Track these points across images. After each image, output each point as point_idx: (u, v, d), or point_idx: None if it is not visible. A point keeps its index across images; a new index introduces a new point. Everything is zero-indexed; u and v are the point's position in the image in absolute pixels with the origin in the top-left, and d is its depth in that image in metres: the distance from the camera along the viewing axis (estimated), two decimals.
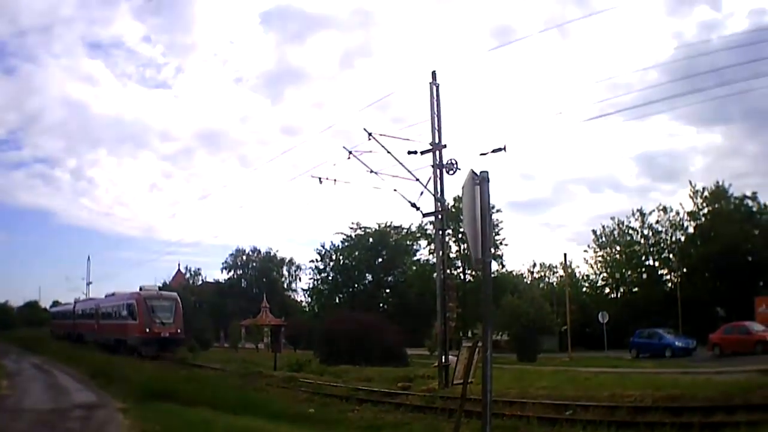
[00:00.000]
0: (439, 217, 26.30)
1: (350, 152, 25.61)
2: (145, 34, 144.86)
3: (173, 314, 42.53)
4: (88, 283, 69.07)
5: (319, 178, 26.18)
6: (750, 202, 58.02)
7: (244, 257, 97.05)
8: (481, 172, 7.06)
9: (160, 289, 52.55)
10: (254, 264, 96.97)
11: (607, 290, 68.15)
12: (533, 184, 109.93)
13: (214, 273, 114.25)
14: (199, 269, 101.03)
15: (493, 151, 24.28)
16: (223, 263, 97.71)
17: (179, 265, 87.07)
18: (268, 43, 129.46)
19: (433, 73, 26.20)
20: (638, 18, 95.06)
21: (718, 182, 60.17)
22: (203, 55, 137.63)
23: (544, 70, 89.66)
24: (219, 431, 13.21)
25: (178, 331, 42.44)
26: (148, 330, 40.41)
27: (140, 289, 45.66)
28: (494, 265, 66.19)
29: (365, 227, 78.59)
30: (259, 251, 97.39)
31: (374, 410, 19.54)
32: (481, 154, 24.71)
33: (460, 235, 58.98)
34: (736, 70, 24.45)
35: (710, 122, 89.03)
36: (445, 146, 25.69)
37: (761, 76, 23.32)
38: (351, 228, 78.80)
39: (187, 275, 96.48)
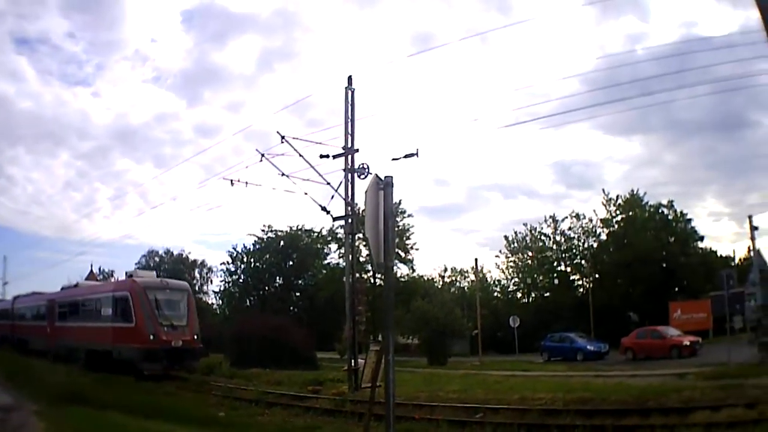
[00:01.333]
0: (350, 221, 26.38)
1: (263, 155, 25.54)
2: (69, 30, 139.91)
3: (186, 313, 30.47)
4: (4, 284, 66.23)
5: (231, 180, 26.04)
6: (666, 210, 59.03)
7: (157, 259, 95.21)
8: (385, 177, 7.07)
9: None
10: (166, 266, 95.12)
11: (519, 295, 68.74)
12: (447, 190, 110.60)
13: None
14: (112, 271, 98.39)
15: (405, 156, 24.56)
16: (135, 264, 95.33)
17: (92, 266, 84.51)
18: (188, 42, 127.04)
19: (349, 78, 26.42)
20: (562, 28, 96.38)
21: (632, 190, 61.08)
22: (124, 52, 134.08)
23: (463, 77, 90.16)
24: None
25: (195, 337, 30.15)
26: (152, 337, 28.23)
27: (129, 275, 33.46)
28: (404, 270, 66.70)
29: (276, 230, 77.87)
30: (172, 253, 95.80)
31: (284, 414, 19.63)
32: (393, 159, 24.97)
33: None
34: (660, 80, 25.20)
35: (629, 132, 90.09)
36: (357, 150, 25.92)
37: (684, 87, 24.10)
38: (262, 230, 78.05)
39: (100, 277, 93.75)
